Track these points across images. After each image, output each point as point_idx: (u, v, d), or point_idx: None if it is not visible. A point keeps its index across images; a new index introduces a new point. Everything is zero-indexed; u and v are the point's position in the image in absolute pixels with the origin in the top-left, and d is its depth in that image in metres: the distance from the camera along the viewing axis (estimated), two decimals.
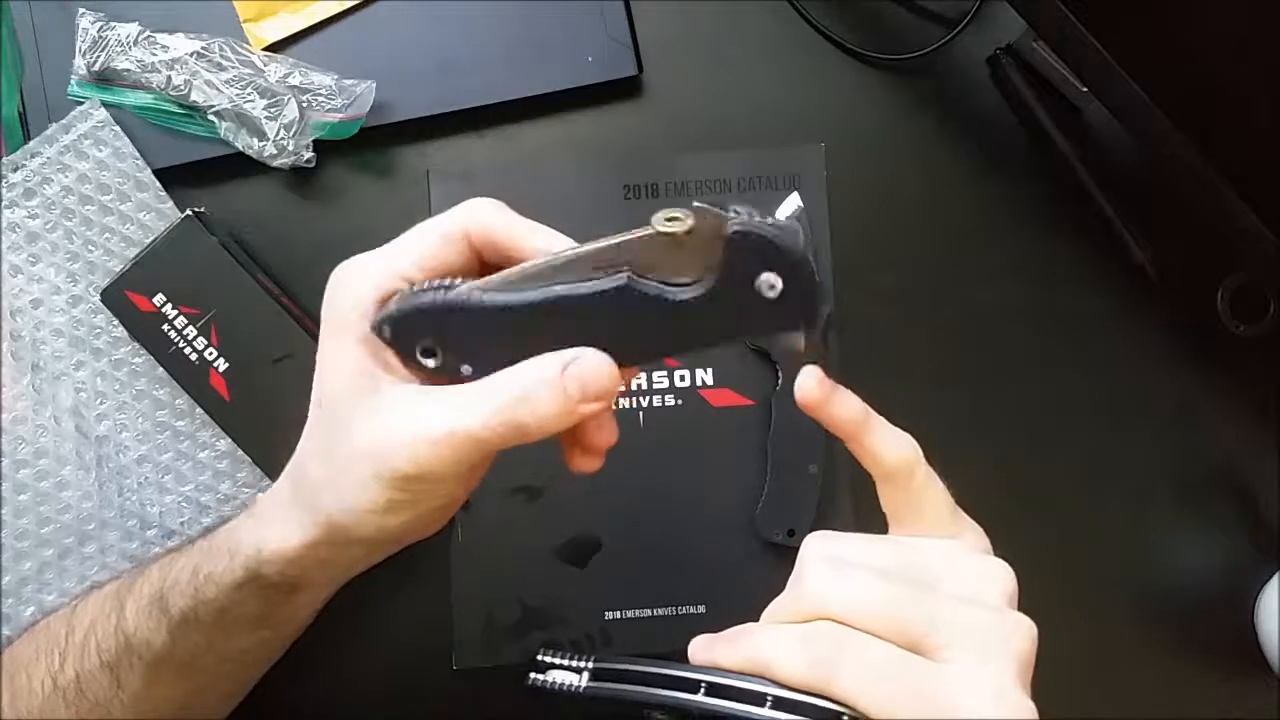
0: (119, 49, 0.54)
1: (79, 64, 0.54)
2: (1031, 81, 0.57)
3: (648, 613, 0.54)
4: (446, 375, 0.36)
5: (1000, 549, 0.50)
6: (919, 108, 0.58)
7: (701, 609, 0.54)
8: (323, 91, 0.53)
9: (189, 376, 0.53)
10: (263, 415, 0.53)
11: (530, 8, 0.55)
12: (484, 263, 0.37)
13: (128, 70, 0.54)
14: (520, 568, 0.54)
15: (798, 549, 0.53)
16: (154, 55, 0.54)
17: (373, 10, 0.55)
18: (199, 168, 0.55)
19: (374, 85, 0.53)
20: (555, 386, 0.33)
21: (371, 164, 0.57)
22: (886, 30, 0.58)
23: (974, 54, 0.58)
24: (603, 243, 0.33)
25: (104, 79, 0.55)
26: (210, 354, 0.53)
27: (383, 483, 0.35)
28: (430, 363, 0.35)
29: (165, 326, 0.53)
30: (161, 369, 0.54)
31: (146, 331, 0.53)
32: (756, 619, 0.53)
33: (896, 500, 0.36)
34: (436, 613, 0.54)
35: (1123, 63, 0.47)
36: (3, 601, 0.53)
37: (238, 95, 0.53)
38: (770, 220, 0.32)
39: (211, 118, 0.54)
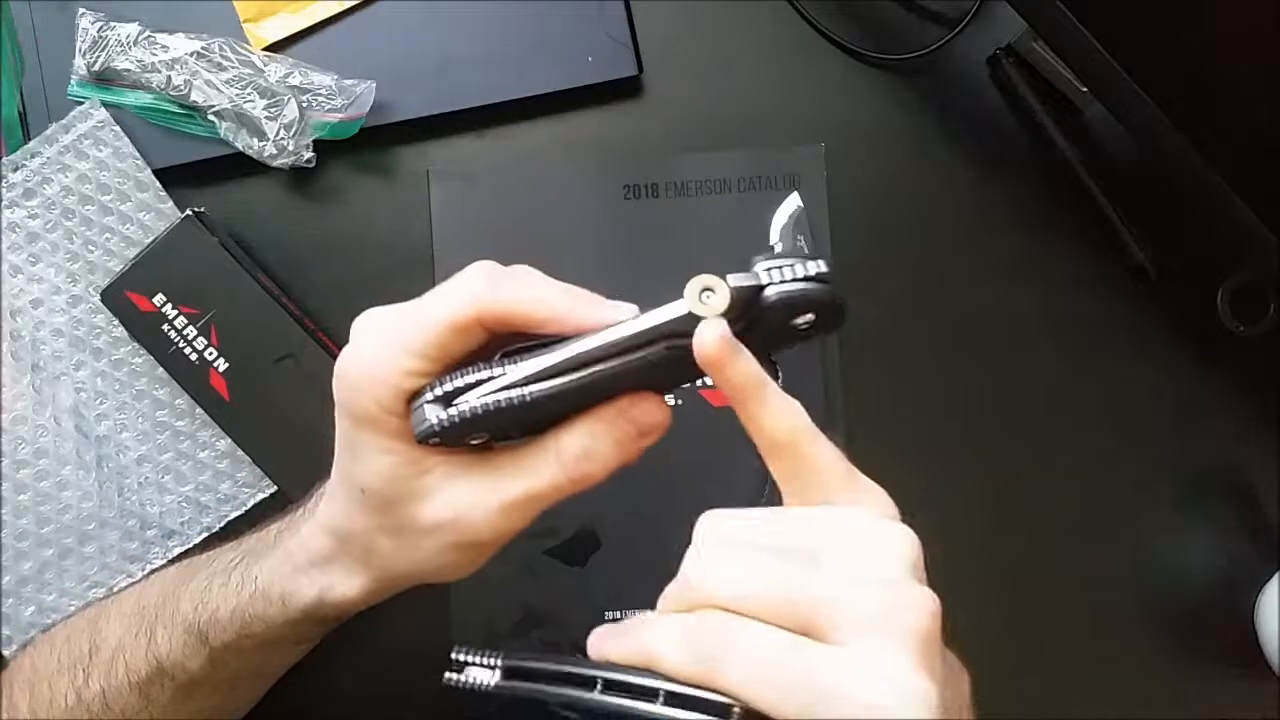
0: (119, 49, 0.54)
1: (79, 64, 0.54)
2: (1031, 81, 0.57)
3: (648, 613, 0.54)
4: (494, 442, 0.36)
5: (1001, 549, 0.50)
6: (919, 108, 0.58)
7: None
8: (323, 91, 0.53)
9: (189, 376, 0.53)
10: (263, 415, 0.53)
11: (530, 8, 0.55)
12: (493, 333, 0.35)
13: (128, 70, 0.54)
14: (520, 568, 0.54)
15: None
16: (154, 55, 0.54)
17: (373, 10, 0.55)
18: (199, 168, 0.55)
19: (374, 85, 0.53)
20: (615, 436, 0.34)
21: (371, 164, 0.57)
22: (886, 30, 0.58)
23: (974, 54, 0.58)
24: (637, 326, 0.32)
25: (104, 79, 0.55)
26: (210, 354, 0.53)
27: (461, 550, 0.37)
28: (477, 442, 0.35)
29: (165, 326, 0.53)
30: (161, 369, 0.54)
31: (146, 331, 0.53)
32: None
33: (785, 470, 0.33)
34: (436, 613, 0.54)
35: (1123, 63, 0.47)
36: (3, 601, 0.53)
37: (238, 95, 0.53)
38: (802, 269, 0.31)
39: (211, 118, 0.54)
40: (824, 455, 0.33)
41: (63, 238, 0.54)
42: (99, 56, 0.54)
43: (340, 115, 0.53)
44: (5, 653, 0.54)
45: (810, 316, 0.32)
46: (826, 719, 0.27)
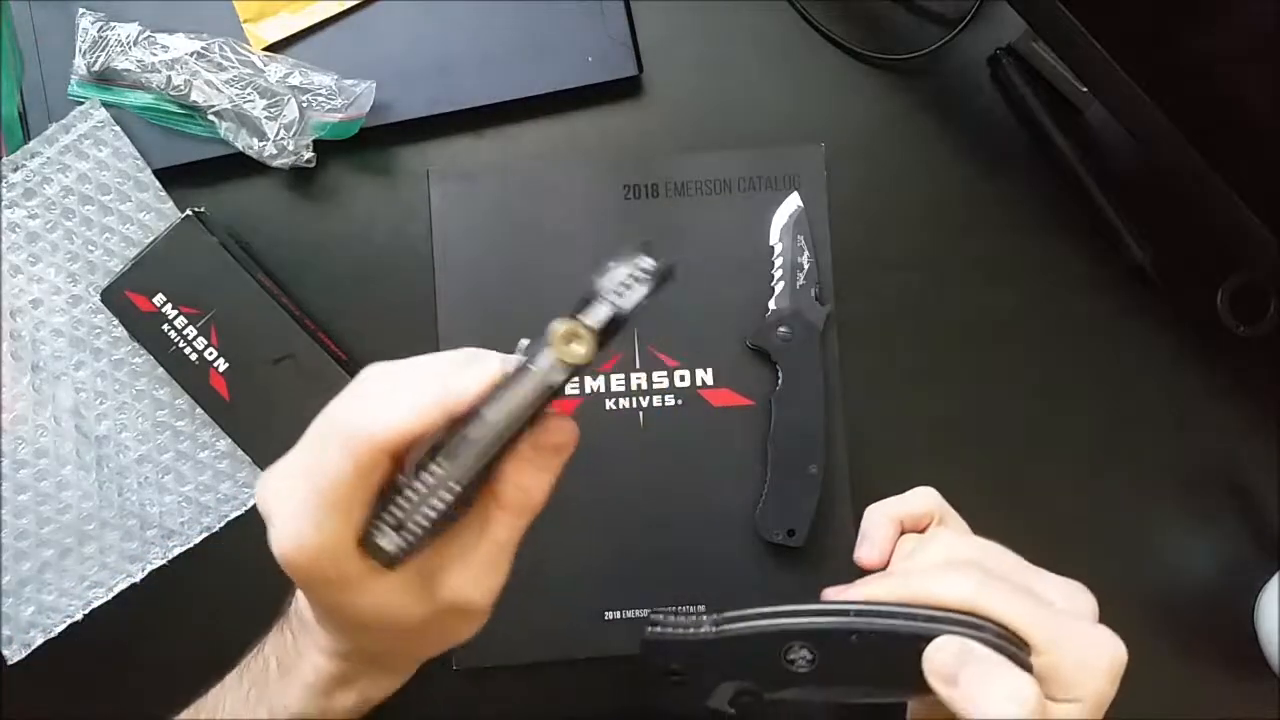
0: (119, 49, 0.54)
1: (79, 64, 0.54)
2: (1031, 81, 0.57)
3: (647, 613, 0.54)
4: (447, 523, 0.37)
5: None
6: (919, 108, 0.58)
7: (701, 609, 0.54)
8: (323, 91, 0.53)
9: (189, 376, 0.53)
10: (263, 415, 0.53)
11: (530, 8, 0.55)
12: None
13: (128, 70, 0.54)
14: (520, 567, 0.54)
15: (798, 549, 0.53)
16: (154, 55, 0.54)
17: (373, 10, 0.55)
18: (199, 168, 0.55)
19: (374, 85, 0.53)
20: (537, 466, 0.36)
21: (371, 164, 0.57)
22: (886, 30, 0.58)
23: (974, 54, 0.58)
24: (522, 397, 0.33)
25: (104, 79, 0.55)
26: (210, 354, 0.53)
27: (466, 617, 0.39)
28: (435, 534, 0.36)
29: (165, 326, 0.53)
30: (161, 369, 0.54)
31: (146, 331, 0.53)
32: None
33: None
34: None
35: (1123, 63, 0.47)
36: (3, 601, 0.53)
37: (238, 95, 0.53)
38: (644, 275, 0.32)
39: (211, 118, 0.54)
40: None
41: (63, 238, 0.54)
42: (99, 56, 0.54)
43: (340, 115, 0.53)
44: (5, 652, 0.54)
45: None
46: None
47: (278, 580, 0.55)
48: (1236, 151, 0.47)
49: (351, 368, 0.54)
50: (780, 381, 0.54)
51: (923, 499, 0.41)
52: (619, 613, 0.54)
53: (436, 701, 0.55)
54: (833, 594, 0.39)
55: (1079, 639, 0.36)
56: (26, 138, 0.55)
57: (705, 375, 0.55)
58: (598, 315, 0.32)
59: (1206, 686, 0.56)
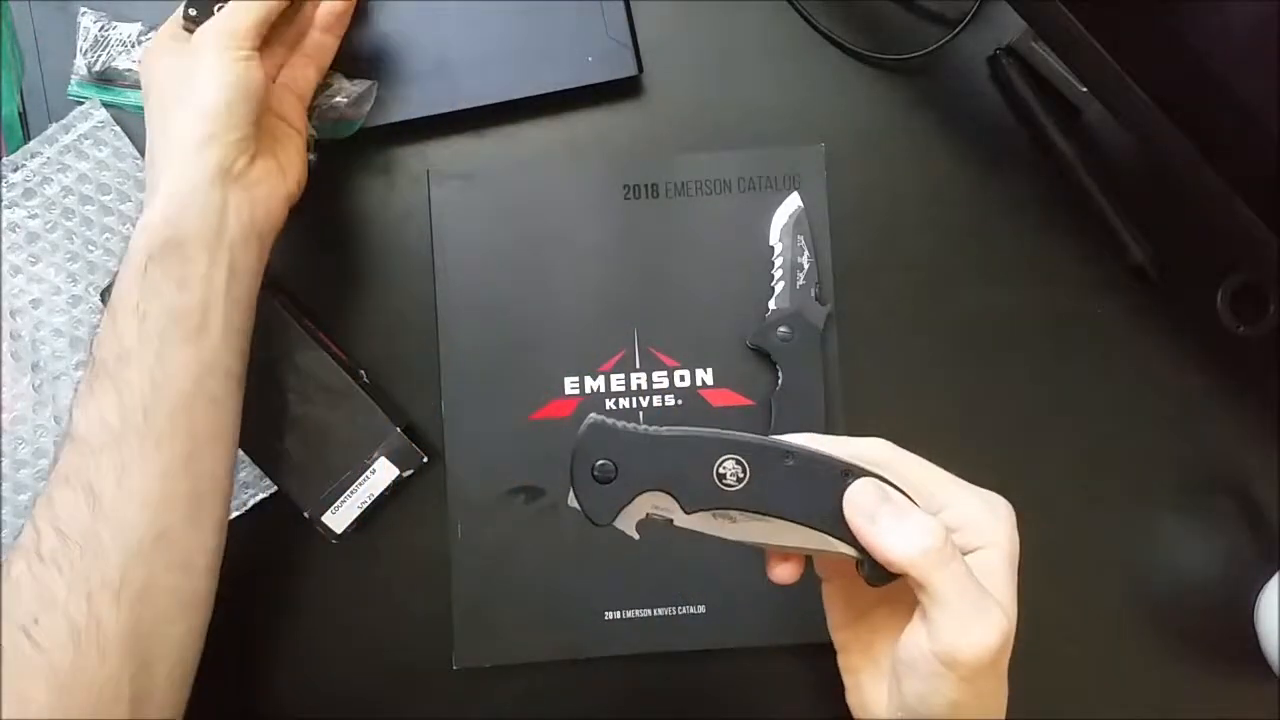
0: (120, 49, 0.54)
1: (79, 64, 0.54)
2: (1031, 81, 0.57)
3: (647, 613, 0.54)
4: None
5: None
6: (919, 108, 0.58)
7: (701, 609, 0.54)
8: (322, 90, 0.53)
9: None
10: (261, 414, 0.53)
11: (530, 8, 0.55)
12: None
13: (129, 70, 0.54)
14: (520, 567, 0.54)
15: None
16: None
17: (372, 10, 0.55)
18: None
19: (375, 85, 0.53)
20: None
21: (371, 164, 0.57)
22: (886, 30, 0.58)
23: (974, 54, 0.58)
24: None
25: (104, 79, 0.55)
26: None
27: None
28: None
29: None
30: None
31: None
32: (756, 619, 0.54)
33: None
34: (436, 613, 0.54)
35: (1123, 63, 0.47)
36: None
37: None
38: None
39: None
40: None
41: (63, 238, 0.54)
42: (100, 56, 0.54)
43: (339, 115, 0.53)
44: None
45: None
46: None
47: (274, 577, 0.56)
48: (1236, 151, 0.47)
49: (351, 368, 0.54)
50: (780, 381, 0.54)
51: (871, 450, 0.39)
52: (619, 613, 0.54)
53: (436, 701, 0.55)
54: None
55: (979, 495, 0.38)
56: (26, 138, 0.55)
57: (705, 375, 0.55)
58: None
59: (1206, 686, 0.56)
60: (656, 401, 0.55)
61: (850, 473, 0.36)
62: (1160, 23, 0.46)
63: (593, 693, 0.55)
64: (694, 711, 0.56)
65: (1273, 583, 0.55)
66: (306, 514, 0.53)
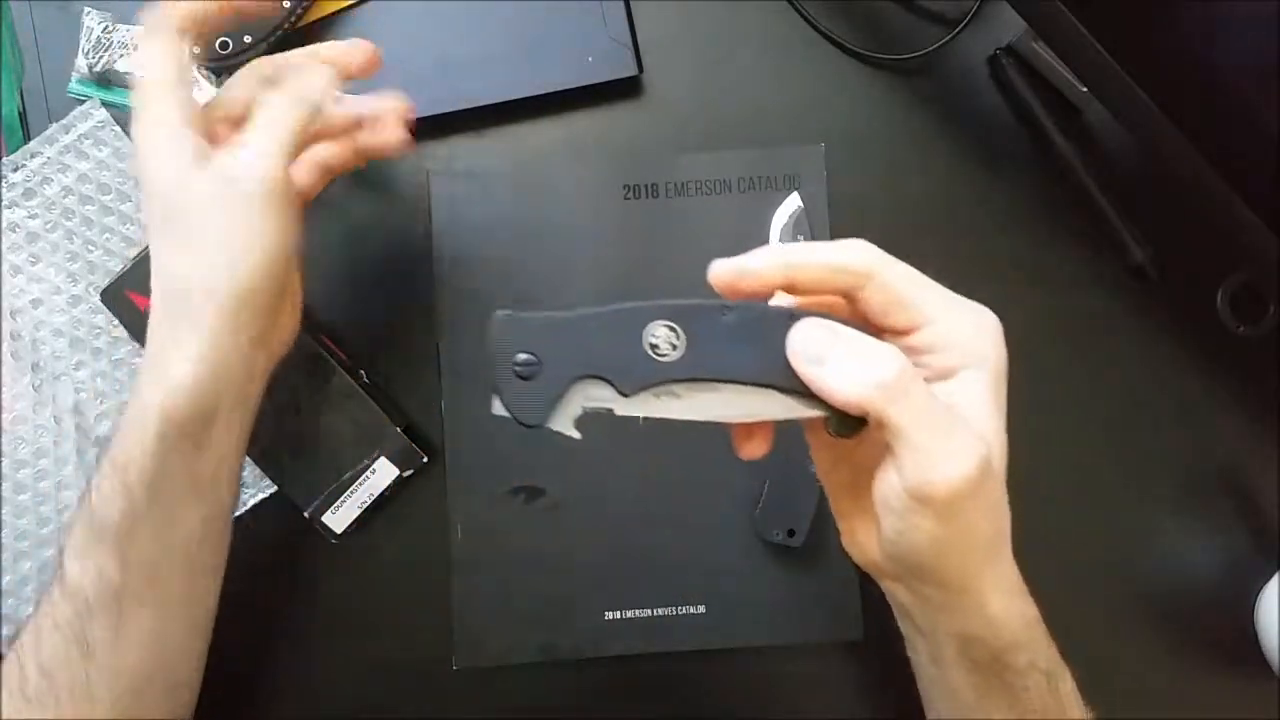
0: (121, 51, 0.54)
1: (81, 63, 0.54)
2: (1031, 81, 0.57)
3: (647, 613, 0.54)
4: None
5: None
6: (919, 108, 0.58)
7: (701, 609, 0.54)
8: None
9: None
10: (262, 415, 0.53)
11: (530, 8, 0.55)
12: None
13: (129, 73, 0.54)
14: (520, 568, 0.54)
15: (798, 549, 0.53)
16: None
17: (372, 10, 0.55)
18: None
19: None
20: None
21: (372, 164, 0.56)
22: (886, 30, 0.58)
23: (974, 54, 0.58)
24: None
25: (105, 80, 0.55)
26: None
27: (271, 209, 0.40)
28: None
29: None
30: None
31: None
32: (756, 619, 0.54)
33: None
34: (436, 613, 0.54)
35: (1123, 63, 0.47)
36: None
37: None
38: None
39: None
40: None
41: (63, 238, 0.54)
42: (101, 58, 0.54)
43: None
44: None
45: None
46: None
47: (274, 577, 0.55)
48: (1236, 151, 0.47)
49: (351, 368, 0.54)
50: None
51: (851, 254, 0.35)
52: (619, 613, 0.54)
53: (436, 701, 0.55)
54: (720, 264, 0.35)
55: (966, 308, 0.35)
56: (26, 138, 0.55)
57: None
58: None
59: (1206, 686, 0.56)
60: None
61: (796, 315, 0.33)
62: (1160, 23, 0.46)
63: (593, 693, 0.55)
64: (694, 711, 0.56)
65: (1273, 583, 0.55)
66: (306, 514, 0.53)
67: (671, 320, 0.32)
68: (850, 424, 0.32)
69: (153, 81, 0.40)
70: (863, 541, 0.38)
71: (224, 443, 0.41)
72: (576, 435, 0.33)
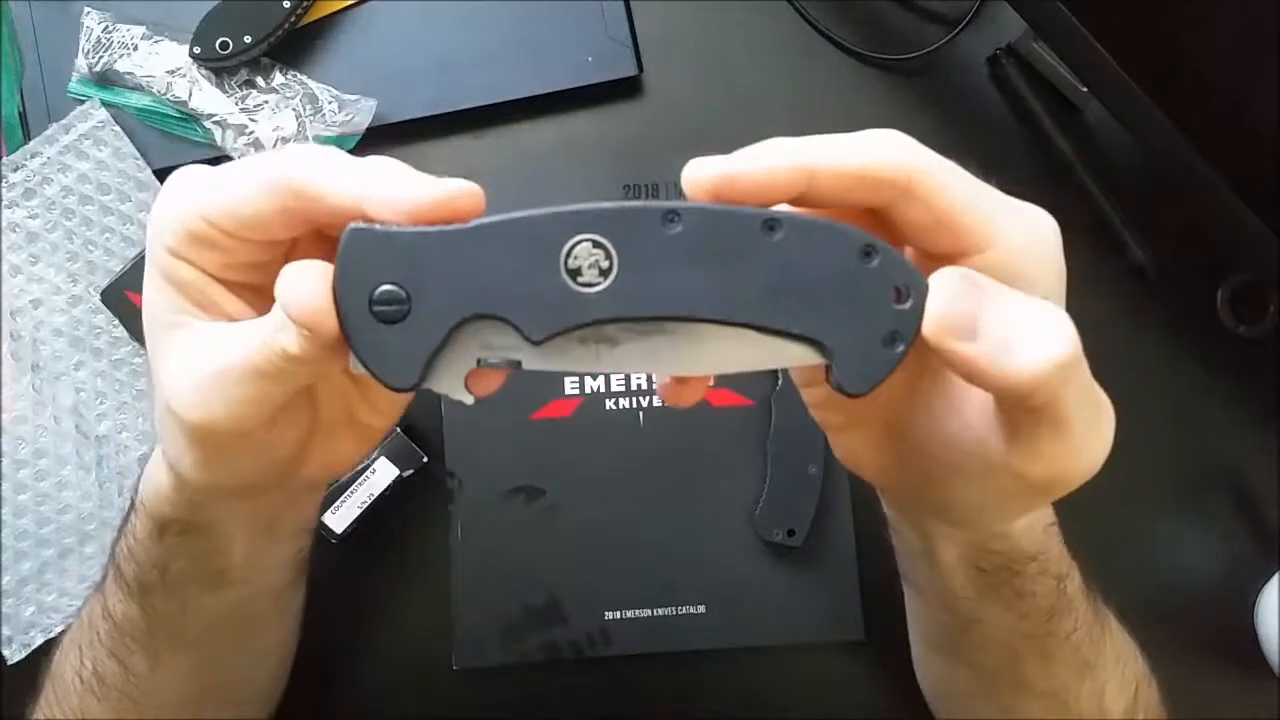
0: (122, 51, 0.54)
1: (81, 63, 0.54)
2: (1031, 81, 0.57)
3: (647, 613, 0.54)
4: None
5: None
6: (919, 108, 0.58)
7: (701, 609, 0.54)
8: (322, 104, 0.53)
9: None
10: None
11: (530, 8, 0.55)
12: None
13: (129, 74, 0.54)
14: (520, 568, 0.54)
15: (797, 549, 0.53)
16: (155, 59, 0.54)
17: (372, 10, 0.55)
18: None
19: (374, 104, 0.53)
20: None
21: None
22: (886, 30, 0.58)
23: (974, 54, 0.58)
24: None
25: (105, 80, 0.55)
26: None
27: (186, 435, 0.28)
28: None
29: None
30: None
31: None
32: (756, 619, 0.54)
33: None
34: (436, 613, 0.54)
35: (1123, 63, 0.47)
36: (3, 601, 0.53)
37: (237, 104, 0.53)
38: None
39: (209, 125, 0.54)
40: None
41: (63, 238, 0.54)
42: (101, 57, 0.54)
43: (338, 130, 0.53)
44: (5, 653, 0.54)
45: None
46: None
47: None
48: (1236, 151, 0.47)
49: None
50: (780, 381, 0.54)
51: (880, 150, 0.25)
52: (619, 613, 0.54)
53: (436, 701, 0.55)
54: (699, 166, 0.26)
55: (1022, 217, 0.27)
56: (26, 138, 0.55)
57: None
58: None
59: (1206, 686, 0.56)
60: (656, 401, 0.55)
61: (776, 224, 0.23)
62: (1160, 23, 0.46)
63: (593, 693, 0.55)
64: (694, 711, 0.56)
65: (1273, 583, 0.55)
66: None
67: (598, 234, 0.22)
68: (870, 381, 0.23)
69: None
70: (860, 453, 0.31)
71: (240, 548, 0.35)
72: (469, 399, 0.24)
